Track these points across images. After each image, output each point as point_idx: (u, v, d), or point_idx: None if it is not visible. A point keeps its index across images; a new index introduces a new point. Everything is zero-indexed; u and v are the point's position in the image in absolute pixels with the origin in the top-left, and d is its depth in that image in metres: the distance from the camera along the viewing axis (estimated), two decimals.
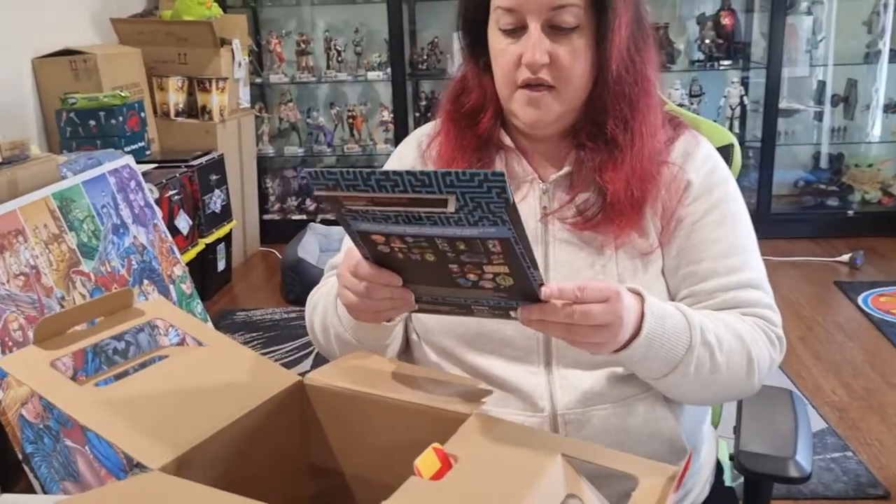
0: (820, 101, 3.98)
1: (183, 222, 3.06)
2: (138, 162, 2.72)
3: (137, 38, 3.46)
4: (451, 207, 0.66)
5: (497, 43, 0.98)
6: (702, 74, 3.93)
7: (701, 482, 1.10)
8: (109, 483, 1.79)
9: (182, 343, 2.22)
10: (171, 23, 3.53)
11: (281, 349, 2.91)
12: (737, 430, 1.04)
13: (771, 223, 3.82)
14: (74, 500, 0.65)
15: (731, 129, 3.87)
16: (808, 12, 3.83)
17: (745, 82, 3.90)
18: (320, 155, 4.20)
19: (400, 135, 3.94)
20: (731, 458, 1.18)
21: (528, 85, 0.97)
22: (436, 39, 4.02)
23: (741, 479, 1.05)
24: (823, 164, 4.07)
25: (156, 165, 3.03)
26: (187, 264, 2.78)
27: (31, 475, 1.76)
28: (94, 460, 1.90)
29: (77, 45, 3.14)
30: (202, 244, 3.23)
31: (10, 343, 1.86)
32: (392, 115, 4.02)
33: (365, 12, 4.08)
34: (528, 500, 0.62)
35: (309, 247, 3.48)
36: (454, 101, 1.07)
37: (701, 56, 3.89)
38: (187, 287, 2.65)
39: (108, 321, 0.85)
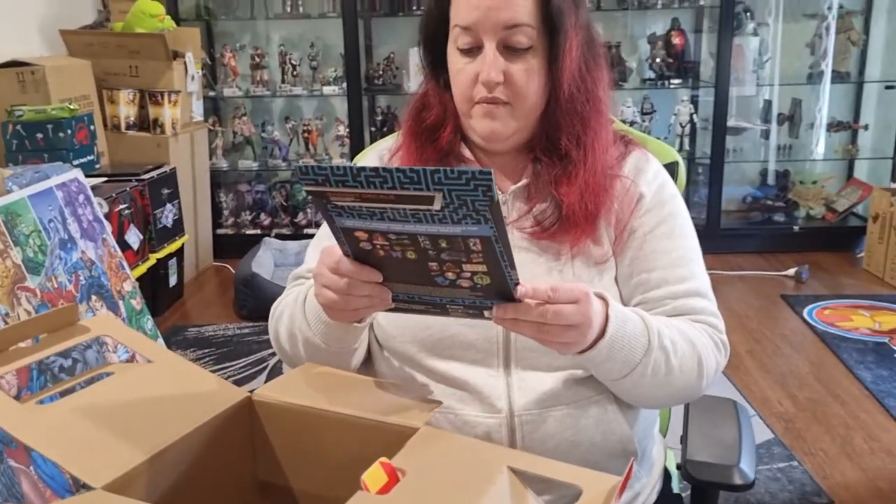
0: (766, 119, 4.09)
1: (133, 237, 3.01)
2: (87, 175, 2.67)
3: (87, 50, 3.42)
4: (437, 205, 0.69)
5: (455, 62, 1.03)
6: (653, 92, 4.02)
7: (650, 484, 1.12)
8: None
9: (131, 360, 2.18)
10: (122, 35, 3.48)
11: (234, 365, 2.87)
12: (683, 439, 1.07)
13: (720, 238, 3.92)
14: None
15: (681, 146, 3.96)
16: (755, 33, 3.95)
17: (694, 100, 4.00)
18: (275, 169, 4.18)
19: (356, 149, 3.94)
20: (679, 467, 1.21)
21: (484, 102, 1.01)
22: (392, 55, 4.04)
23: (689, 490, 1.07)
24: (770, 180, 4.19)
25: (105, 179, 2.98)
26: (138, 279, 2.73)
27: None
28: (38, 481, 1.85)
29: (25, 56, 3.08)
30: (153, 259, 3.18)
31: None
32: (348, 130, 4.02)
33: (320, 27, 4.08)
34: None
35: (263, 262, 3.45)
36: (415, 117, 1.10)
37: (652, 75, 3.98)
38: (137, 303, 2.60)
39: (52, 338, 0.84)
